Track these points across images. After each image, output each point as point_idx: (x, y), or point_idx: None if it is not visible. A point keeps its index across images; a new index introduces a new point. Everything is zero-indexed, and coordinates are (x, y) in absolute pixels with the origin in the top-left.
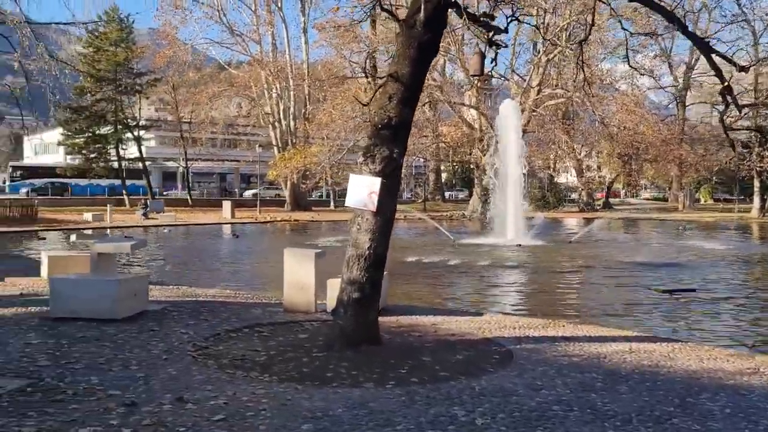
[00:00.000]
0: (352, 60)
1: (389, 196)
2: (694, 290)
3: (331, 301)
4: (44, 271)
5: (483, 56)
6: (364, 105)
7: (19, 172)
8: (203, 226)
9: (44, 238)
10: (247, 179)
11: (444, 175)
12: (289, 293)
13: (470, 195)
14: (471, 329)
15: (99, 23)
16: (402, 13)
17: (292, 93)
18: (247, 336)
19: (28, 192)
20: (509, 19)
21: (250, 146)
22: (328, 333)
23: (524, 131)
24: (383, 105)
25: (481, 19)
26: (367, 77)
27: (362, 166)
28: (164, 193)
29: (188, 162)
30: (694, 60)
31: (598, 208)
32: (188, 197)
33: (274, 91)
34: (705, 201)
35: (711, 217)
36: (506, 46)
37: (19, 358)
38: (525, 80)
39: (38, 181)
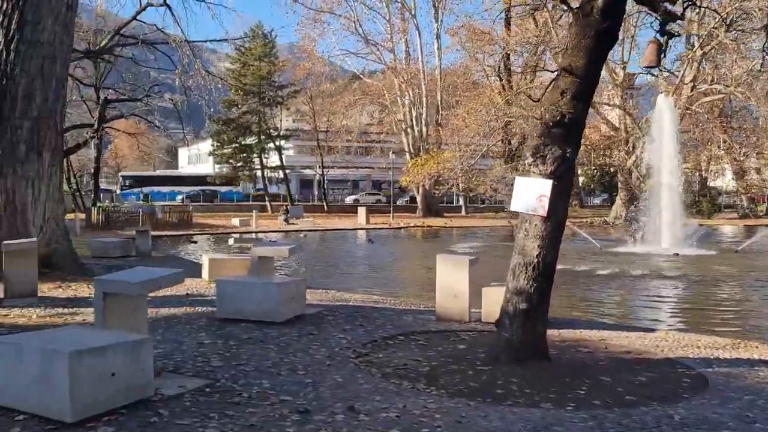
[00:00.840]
0: (486, 63)
1: (561, 200)
2: None
3: (486, 311)
4: (205, 273)
5: (660, 45)
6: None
7: (128, 181)
8: (340, 231)
9: (195, 242)
10: (378, 185)
11: (581, 180)
12: (441, 301)
13: (610, 200)
14: (646, 347)
15: (246, 39)
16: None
17: (424, 99)
18: (404, 344)
19: (183, 199)
20: (685, 4)
21: (383, 153)
22: (490, 345)
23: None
24: (555, 101)
25: (660, 2)
26: (500, 80)
27: (531, 167)
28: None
29: (324, 169)
30: None
31: (761, 214)
32: (324, 204)
33: (406, 97)
34: None
35: None
36: (679, 35)
37: (193, 357)
38: (676, 76)
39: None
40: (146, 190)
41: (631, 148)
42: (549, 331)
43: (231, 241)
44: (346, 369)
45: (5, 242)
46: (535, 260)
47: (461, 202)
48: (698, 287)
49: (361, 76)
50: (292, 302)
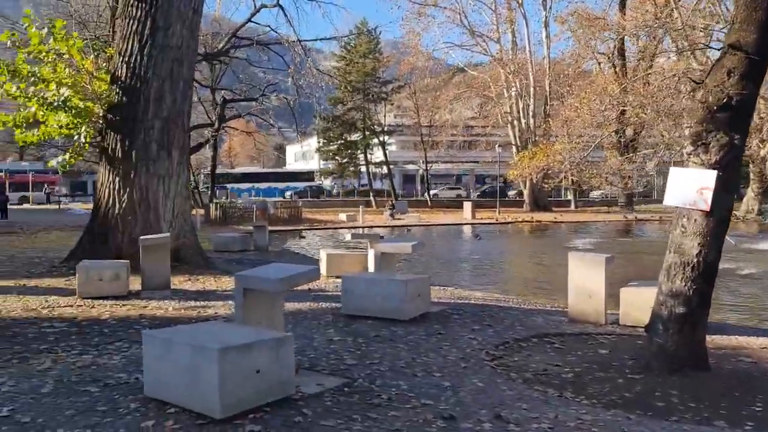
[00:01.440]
0: (598, 50)
1: (726, 193)
2: None
3: (625, 313)
4: (323, 267)
5: None
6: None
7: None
8: (445, 226)
9: (304, 237)
10: (482, 180)
11: None
12: (574, 301)
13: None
14: None
15: (352, 36)
16: None
17: (532, 90)
18: (539, 347)
19: (291, 195)
20: None
21: (488, 147)
22: (638, 351)
23: None
24: (720, 82)
25: None
26: (614, 67)
27: (690, 157)
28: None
29: (427, 164)
30: None
31: None
32: (427, 199)
33: (513, 89)
34: None
35: None
36: None
37: (326, 354)
38: None
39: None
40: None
41: (765, 136)
42: None
43: (348, 237)
44: (483, 372)
45: (142, 237)
46: (695, 260)
47: (569, 197)
48: None
49: (465, 69)
50: (418, 300)
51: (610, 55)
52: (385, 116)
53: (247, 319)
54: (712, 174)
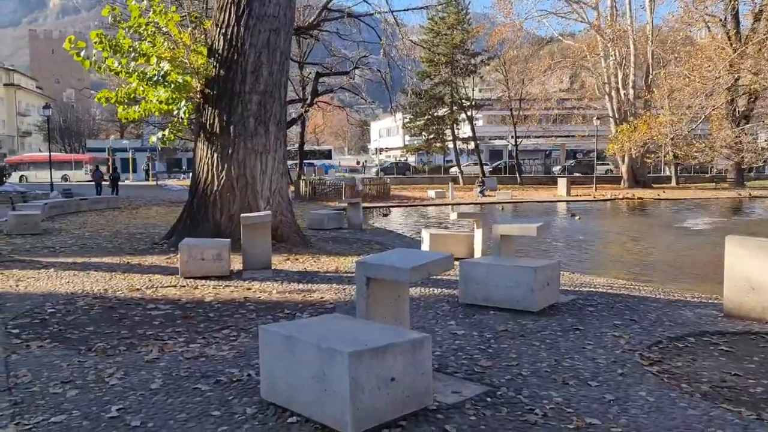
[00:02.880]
0: (706, 12)
1: None
2: None
3: None
4: (425, 248)
5: None
6: None
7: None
8: (539, 204)
9: (387, 215)
10: (572, 155)
11: None
12: (732, 294)
13: None
14: None
15: (442, 4)
16: None
17: (632, 58)
18: (701, 349)
19: (377, 172)
20: None
21: (584, 120)
22: None
23: None
24: None
25: None
26: (726, 30)
27: None
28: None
29: (517, 140)
30: None
31: None
32: (517, 175)
33: (611, 58)
34: None
35: None
36: None
37: (453, 351)
38: None
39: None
40: None
41: None
42: None
43: (454, 216)
44: (647, 382)
45: (244, 215)
46: None
47: (670, 172)
48: None
49: (560, 38)
50: (547, 289)
51: (722, 18)
52: (473, 90)
53: (372, 313)
54: None
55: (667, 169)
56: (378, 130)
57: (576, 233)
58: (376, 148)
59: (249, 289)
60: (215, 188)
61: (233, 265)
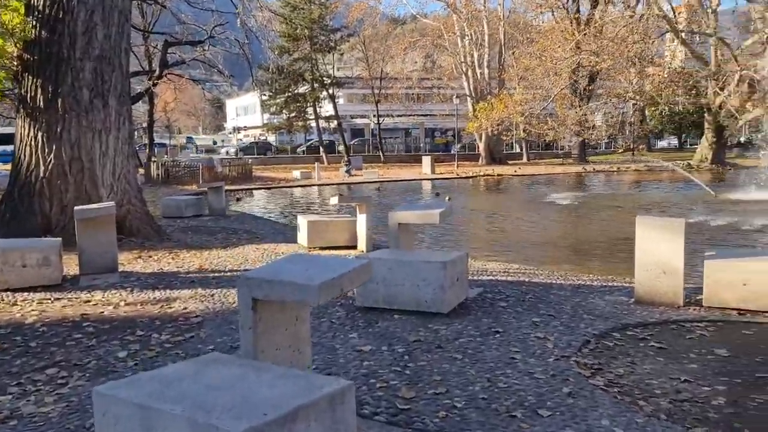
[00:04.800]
0: None
1: None
2: None
3: (711, 292)
4: (303, 237)
5: None
6: None
7: None
8: (405, 182)
9: (240, 199)
10: (431, 133)
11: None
12: (643, 278)
13: (679, 143)
14: None
15: None
16: None
17: (487, 38)
18: (635, 348)
19: (237, 152)
20: None
21: (442, 100)
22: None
23: None
24: None
25: None
26: (567, 12)
27: None
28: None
29: (379, 118)
30: None
31: None
32: (381, 154)
33: (467, 38)
34: None
35: None
36: None
37: (364, 378)
38: None
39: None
40: None
41: (723, 84)
42: None
43: (334, 200)
44: (601, 403)
45: (78, 208)
46: None
47: (521, 149)
48: None
49: (417, 16)
50: (457, 285)
51: (564, 3)
52: (334, 67)
53: (262, 346)
54: None
55: (517, 146)
56: (235, 108)
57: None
58: (234, 127)
59: (88, 301)
60: (41, 174)
61: (68, 269)
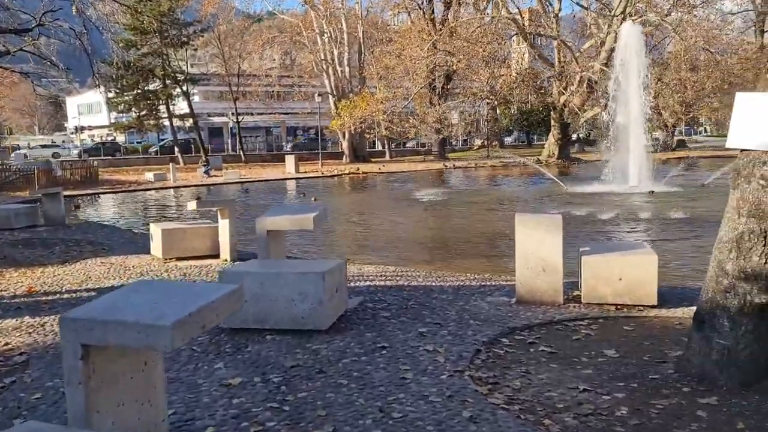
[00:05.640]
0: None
1: None
2: None
3: (590, 289)
4: (156, 248)
5: None
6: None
7: None
8: (269, 182)
9: (78, 206)
10: (293, 132)
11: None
12: (524, 277)
13: (527, 140)
14: None
15: None
16: None
17: (345, 36)
18: (525, 354)
19: (80, 153)
20: None
21: (305, 97)
22: (659, 350)
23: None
24: None
25: None
26: (423, 13)
27: None
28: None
29: (239, 117)
30: None
31: (672, 147)
32: (241, 153)
33: (326, 35)
34: None
35: None
36: None
37: (233, 421)
38: (607, 7)
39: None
40: None
41: (566, 84)
42: (667, 313)
43: (192, 205)
44: (506, 425)
45: None
46: None
47: (383, 147)
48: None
49: (275, 12)
50: (336, 297)
51: (420, 4)
52: (187, 63)
53: (98, 406)
54: None
55: (379, 144)
56: (77, 107)
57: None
58: (76, 127)
59: None
60: None
61: None
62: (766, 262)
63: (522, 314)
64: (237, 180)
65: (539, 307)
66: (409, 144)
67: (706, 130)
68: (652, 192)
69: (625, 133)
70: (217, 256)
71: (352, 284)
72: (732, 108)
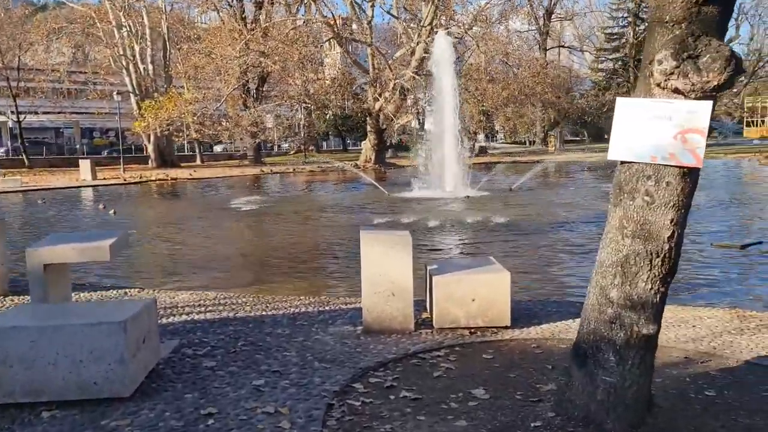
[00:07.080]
0: None
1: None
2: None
3: (442, 312)
4: None
5: None
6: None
7: None
8: (60, 190)
9: None
10: (89, 133)
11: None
12: (371, 303)
13: (342, 145)
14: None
15: None
16: None
17: (148, 32)
18: (386, 404)
19: None
20: None
21: (102, 96)
22: (533, 388)
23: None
24: None
25: None
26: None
27: (670, 79)
28: None
29: (20, 116)
30: (552, 4)
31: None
32: (24, 157)
33: (125, 29)
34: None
35: (593, 157)
36: None
37: None
38: (417, 18)
39: None
40: None
41: (380, 91)
42: (515, 334)
43: None
44: None
45: None
46: (666, 246)
47: (195, 151)
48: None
49: (64, 0)
50: (144, 350)
51: (230, 3)
52: None
53: None
54: (707, 106)
55: (188, 148)
56: None
57: (111, 226)
58: None
59: None
60: None
61: None
62: (652, 288)
63: (373, 348)
64: (16, 189)
65: (389, 337)
66: (218, 148)
67: (502, 138)
68: (468, 197)
69: (440, 140)
70: None
71: (164, 320)
72: (523, 118)
